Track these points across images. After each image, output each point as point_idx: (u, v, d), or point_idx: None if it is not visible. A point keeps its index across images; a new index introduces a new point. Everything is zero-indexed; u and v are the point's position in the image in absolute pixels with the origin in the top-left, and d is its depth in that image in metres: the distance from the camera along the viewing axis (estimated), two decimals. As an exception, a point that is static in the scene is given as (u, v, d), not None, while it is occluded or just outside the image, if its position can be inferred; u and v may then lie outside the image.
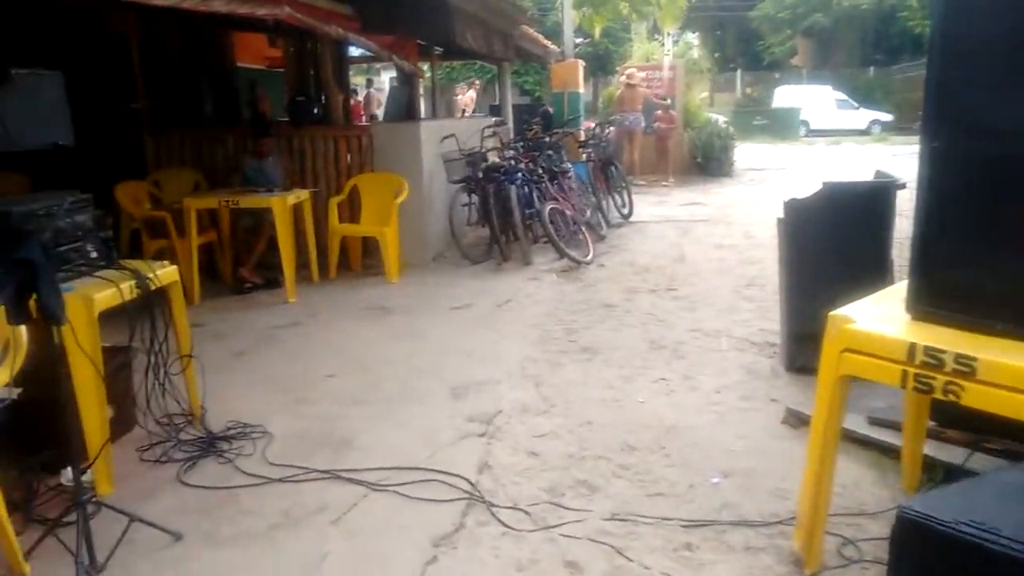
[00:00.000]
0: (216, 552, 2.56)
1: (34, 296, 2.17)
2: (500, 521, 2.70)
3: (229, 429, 3.46)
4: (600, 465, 3.10)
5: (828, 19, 27.50)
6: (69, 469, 2.48)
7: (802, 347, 3.89)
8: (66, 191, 3.15)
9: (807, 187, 3.93)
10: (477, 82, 23.03)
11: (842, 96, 24.82)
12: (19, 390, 2.61)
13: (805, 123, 23.97)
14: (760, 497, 2.84)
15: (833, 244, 3.79)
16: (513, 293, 5.84)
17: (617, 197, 9.01)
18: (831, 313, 2.28)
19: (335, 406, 3.77)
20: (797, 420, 3.41)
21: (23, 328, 2.29)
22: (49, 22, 6.37)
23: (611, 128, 10.80)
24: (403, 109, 7.57)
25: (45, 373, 2.37)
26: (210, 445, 3.30)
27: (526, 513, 2.75)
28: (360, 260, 6.75)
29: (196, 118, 8.08)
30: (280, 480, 3.01)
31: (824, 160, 16.54)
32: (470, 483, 2.95)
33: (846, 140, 21.57)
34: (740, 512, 2.74)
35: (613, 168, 8.99)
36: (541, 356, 4.42)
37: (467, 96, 21.26)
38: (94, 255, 3.12)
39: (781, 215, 3.98)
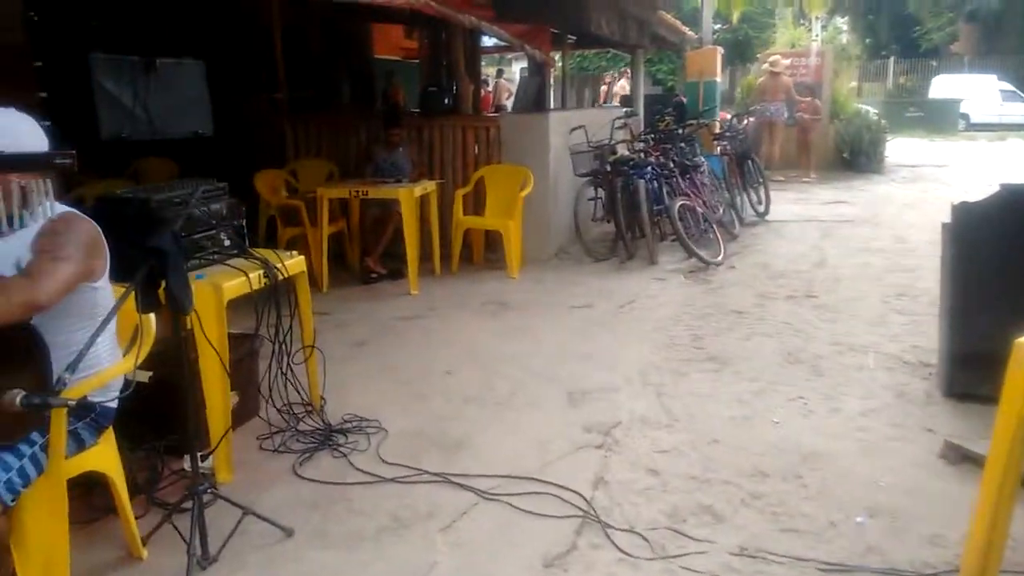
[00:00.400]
0: (325, 552, 2.53)
1: (163, 284, 2.19)
2: (615, 545, 2.52)
3: (346, 422, 3.46)
4: (727, 491, 2.85)
5: (998, 1, 24.99)
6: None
7: (965, 370, 3.47)
8: (205, 179, 3.23)
9: (975, 188, 3.47)
10: (629, 71, 22.42)
11: (1009, 87, 22.52)
12: (149, 373, 2.69)
13: (965, 116, 21.95)
14: (912, 542, 2.51)
15: (1011, 256, 3.34)
16: (637, 293, 5.60)
17: (752, 193, 8.51)
18: (1019, 340, 1.96)
19: (450, 404, 3.70)
20: (957, 455, 3.02)
21: (152, 315, 2.32)
22: (193, 13, 6.66)
23: (749, 119, 10.23)
24: (532, 99, 7.46)
25: (174, 357, 2.41)
26: (327, 438, 3.30)
27: (644, 539, 2.55)
28: (482, 253, 6.71)
29: (333, 108, 8.31)
30: (392, 480, 2.96)
31: (988, 157, 15.05)
32: (585, 499, 2.79)
33: (1012, 136, 19.57)
34: (889, 558, 2.43)
35: (750, 162, 8.50)
36: (664, 364, 4.18)
37: (618, 85, 20.50)
38: (227, 243, 3.17)
39: (946, 219, 3.55)
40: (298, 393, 3.51)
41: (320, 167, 6.97)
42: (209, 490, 2.46)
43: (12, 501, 1.90)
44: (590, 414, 3.53)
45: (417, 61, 11.77)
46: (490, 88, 18.22)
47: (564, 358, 4.28)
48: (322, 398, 3.61)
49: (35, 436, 1.98)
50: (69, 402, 1.74)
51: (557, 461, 3.09)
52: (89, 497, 2.64)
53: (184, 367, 2.43)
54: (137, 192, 3.04)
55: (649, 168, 6.69)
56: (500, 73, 21.31)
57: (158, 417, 2.91)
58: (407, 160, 6.35)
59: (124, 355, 2.37)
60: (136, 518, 2.50)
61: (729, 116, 9.88)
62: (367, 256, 6.22)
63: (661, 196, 6.64)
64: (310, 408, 3.57)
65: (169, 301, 2.22)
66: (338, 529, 2.66)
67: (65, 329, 2.07)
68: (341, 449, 3.23)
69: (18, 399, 1.72)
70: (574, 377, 3.97)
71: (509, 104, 16.42)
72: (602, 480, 2.95)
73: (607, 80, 21.59)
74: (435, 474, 2.98)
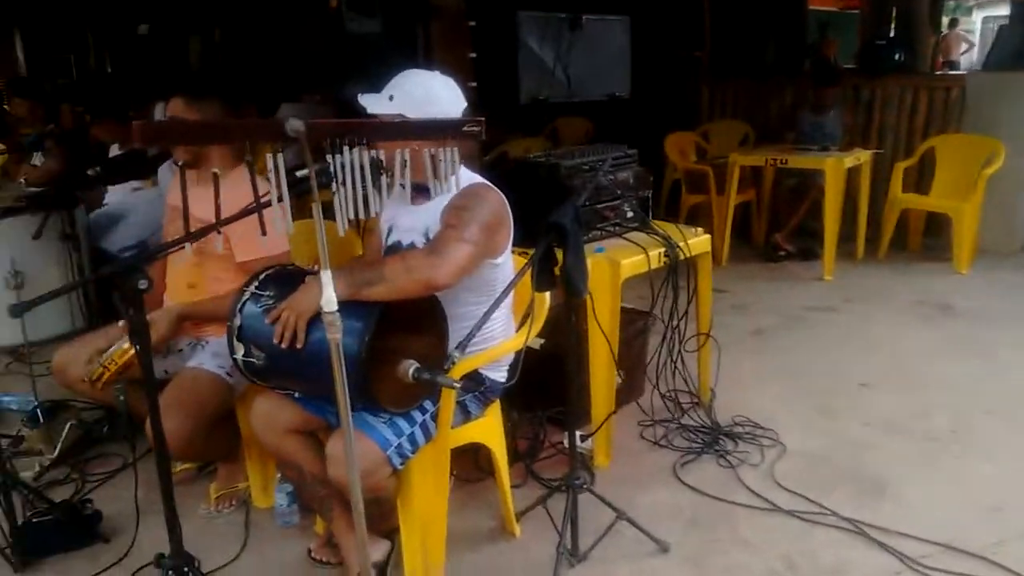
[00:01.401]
0: (700, 585, 2.19)
1: (559, 263, 2.01)
2: None
3: (736, 425, 3.05)
4: None
5: None
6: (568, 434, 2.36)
7: None
8: (615, 144, 3.05)
9: None
10: None
11: None
12: (541, 340, 2.60)
13: None
14: None
15: None
16: None
17: None
18: None
19: (866, 428, 3.05)
20: None
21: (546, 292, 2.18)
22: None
23: None
24: (1016, 54, 5.92)
25: (566, 326, 2.25)
26: (714, 440, 2.93)
27: None
28: (920, 239, 5.61)
29: (756, 66, 7.70)
30: (788, 512, 2.48)
31: None
32: (1065, 610, 2.00)
33: None
34: None
35: None
36: None
37: None
38: (629, 215, 2.95)
39: None
40: (685, 382, 3.18)
41: (734, 130, 6.49)
42: (585, 486, 2.27)
43: (401, 465, 1.91)
44: (1075, 483, 2.59)
45: (856, 11, 10.42)
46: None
47: (1034, 394, 3.27)
48: (711, 391, 3.25)
49: (427, 404, 1.97)
50: (455, 383, 1.67)
51: (1019, 540, 2.30)
52: (476, 457, 2.66)
53: (572, 344, 2.24)
54: (550, 156, 2.96)
55: None
56: (954, 23, 18.02)
57: (544, 385, 2.83)
58: (838, 125, 5.55)
59: (517, 329, 2.28)
60: (513, 487, 2.44)
61: None
62: (776, 231, 5.62)
63: None
64: (696, 401, 3.23)
65: (563, 282, 2.03)
66: (717, 559, 2.29)
67: (462, 302, 2.02)
68: (729, 458, 2.83)
69: (411, 371, 1.69)
70: (1050, 424, 2.99)
71: (962, 60, 13.94)
72: (1096, 586, 2.10)
73: None
74: (845, 519, 2.42)
